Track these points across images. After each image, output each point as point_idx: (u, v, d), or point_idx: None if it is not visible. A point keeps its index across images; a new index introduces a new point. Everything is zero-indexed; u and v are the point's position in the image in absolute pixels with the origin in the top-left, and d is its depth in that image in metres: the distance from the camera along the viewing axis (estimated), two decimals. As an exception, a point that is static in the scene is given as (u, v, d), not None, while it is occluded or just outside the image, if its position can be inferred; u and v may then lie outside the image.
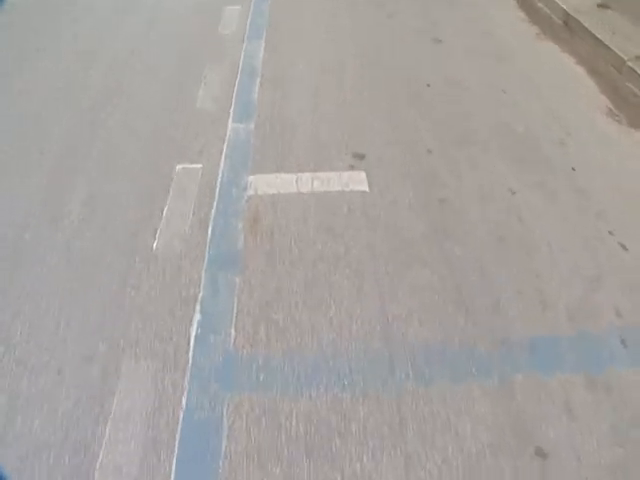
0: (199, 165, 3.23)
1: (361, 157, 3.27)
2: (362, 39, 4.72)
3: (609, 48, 4.44)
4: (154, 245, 2.76)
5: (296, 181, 3.09)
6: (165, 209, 2.95)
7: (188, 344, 2.31)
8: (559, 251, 2.78)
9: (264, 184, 3.09)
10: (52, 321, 2.41)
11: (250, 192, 3.04)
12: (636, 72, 4.11)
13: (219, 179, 3.13)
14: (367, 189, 3.05)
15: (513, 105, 3.88)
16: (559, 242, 2.83)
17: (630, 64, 4.19)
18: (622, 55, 4.29)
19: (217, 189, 3.06)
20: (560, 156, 3.41)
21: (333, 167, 3.19)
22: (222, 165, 3.23)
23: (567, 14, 5.07)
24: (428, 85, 4.03)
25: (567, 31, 5.00)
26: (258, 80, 4.06)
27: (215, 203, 2.98)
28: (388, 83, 4.07)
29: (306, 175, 3.12)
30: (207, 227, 2.84)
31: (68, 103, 3.87)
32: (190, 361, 2.25)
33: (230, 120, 3.62)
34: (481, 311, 2.48)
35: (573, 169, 3.27)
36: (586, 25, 4.81)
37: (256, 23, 5.03)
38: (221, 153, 3.33)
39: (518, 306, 2.51)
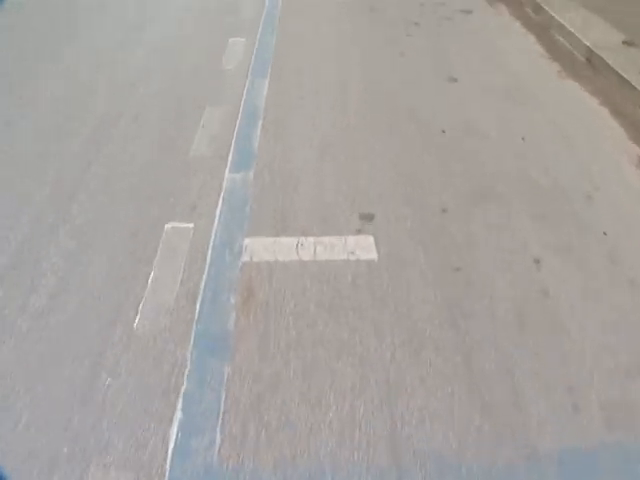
0: (190, 224, 2.95)
1: (369, 218, 2.97)
2: (373, 79, 4.46)
3: (636, 89, 4.14)
4: (136, 320, 2.48)
5: (297, 246, 2.80)
6: (151, 276, 2.67)
7: (166, 450, 2.01)
8: (590, 334, 2.46)
9: (261, 249, 2.80)
10: (12, 413, 2.12)
11: (245, 258, 2.75)
12: (667, 118, 3.81)
13: (211, 242, 2.85)
14: (375, 257, 2.75)
15: (535, 154, 3.59)
16: (590, 322, 2.51)
17: (660, 108, 3.90)
18: (651, 98, 4.00)
19: (209, 254, 2.78)
20: (588, 215, 3.11)
21: (338, 230, 2.90)
22: (216, 224, 2.95)
23: (590, 51, 4.79)
24: (443, 131, 3.75)
25: (590, 69, 4.71)
26: (260, 123, 3.79)
27: (206, 270, 2.69)
28: (401, 129, 3.79)
29: (308, 240, 2.83)
30: (196, 300, 2.56)
31: (61, 132, 3.63)
32: (167, 474, 1.95)
33: (227, 170, 3.35)
34: (500, 409, 2.16)
35: (605, 233, 2.96)
36: (610, 63, 4.52)
37: (261, 57, 4.79)
38: (215, 209, 3.05)
39: (544, 404, 2.19)
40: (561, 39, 5.26)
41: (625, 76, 4.31)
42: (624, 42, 4.83)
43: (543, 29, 5.50)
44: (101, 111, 3.98)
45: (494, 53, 4.99)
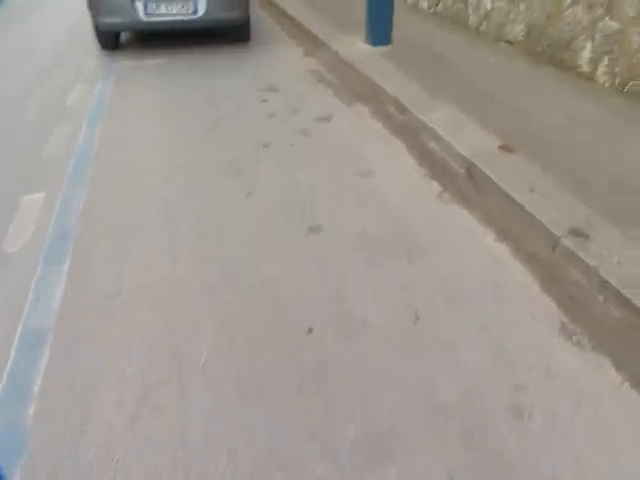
0: None
1: None
2: (208, 254, 3.34)
3: (533, 216, 3.40)
4: None
5: None
6: None
7: None
8: None
9: None
10: None
11: None
12: (579, 256, 3.05)
13: None
14: None
15: (435, 347, 2.66)
16: None
17: (567, 243, 3.15)
18: (552, 229, 3.25)
19: None
20: (522, 447, 2.18)
21: None
22: None
23: (467, 160, 4.07)
24: (310, 330, 2.72)
25: (473, 186, 3.97)
26: (45, 357, 2.55)
27: None
28: (249, 335, 2.71)
29: None
30: None
31: None
32: None
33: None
34: None
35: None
36: (494, 178, 3.81)
37: (62, 225, 3.59)
38: None
39: None
40: (433, 145, 4.55)
41: (515, 197, 3.59)
42: (500, 147, 4.19)
43: (412, 133, 4.80)
44: None
45: (361, 177, 4.15)
